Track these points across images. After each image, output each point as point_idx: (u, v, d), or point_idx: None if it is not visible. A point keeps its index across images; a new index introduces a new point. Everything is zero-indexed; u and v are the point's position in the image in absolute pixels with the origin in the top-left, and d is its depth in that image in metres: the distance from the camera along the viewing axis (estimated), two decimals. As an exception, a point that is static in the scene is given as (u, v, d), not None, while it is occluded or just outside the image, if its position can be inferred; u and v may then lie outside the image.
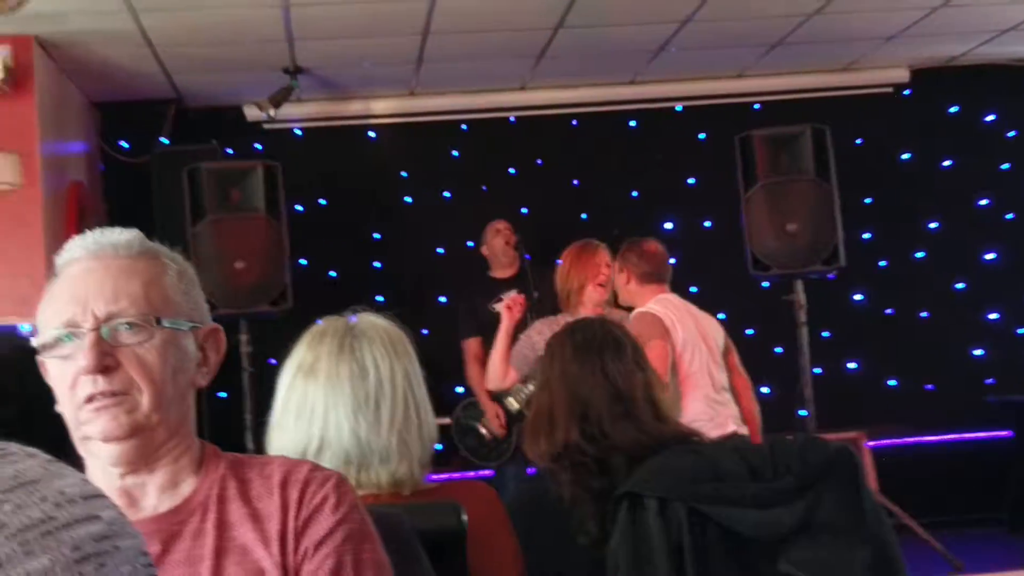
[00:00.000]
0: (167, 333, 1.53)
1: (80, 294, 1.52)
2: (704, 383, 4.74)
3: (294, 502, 1.52)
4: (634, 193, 7.32)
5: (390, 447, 2.01)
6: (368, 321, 2.09)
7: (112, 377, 1.49)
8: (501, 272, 6.29)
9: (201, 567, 1.49)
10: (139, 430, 1.50)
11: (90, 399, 1.49)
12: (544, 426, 2.60)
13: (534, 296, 5.91)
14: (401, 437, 2.02)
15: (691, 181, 7.33)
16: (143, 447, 1.52)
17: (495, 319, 5.96)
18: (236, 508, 1.53)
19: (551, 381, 2.63)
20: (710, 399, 4.75)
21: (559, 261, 5.23)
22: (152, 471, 1.55)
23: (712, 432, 4.32)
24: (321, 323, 2.11)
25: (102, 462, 1.53)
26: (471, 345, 6.18)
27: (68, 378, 1.51)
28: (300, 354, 2.06)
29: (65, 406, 1.53)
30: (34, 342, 1.55)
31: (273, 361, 6.11)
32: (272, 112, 6.49)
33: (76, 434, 1.52)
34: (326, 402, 2.00)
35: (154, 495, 1.54)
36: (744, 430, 4.75)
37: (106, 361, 1.48)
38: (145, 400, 1.50)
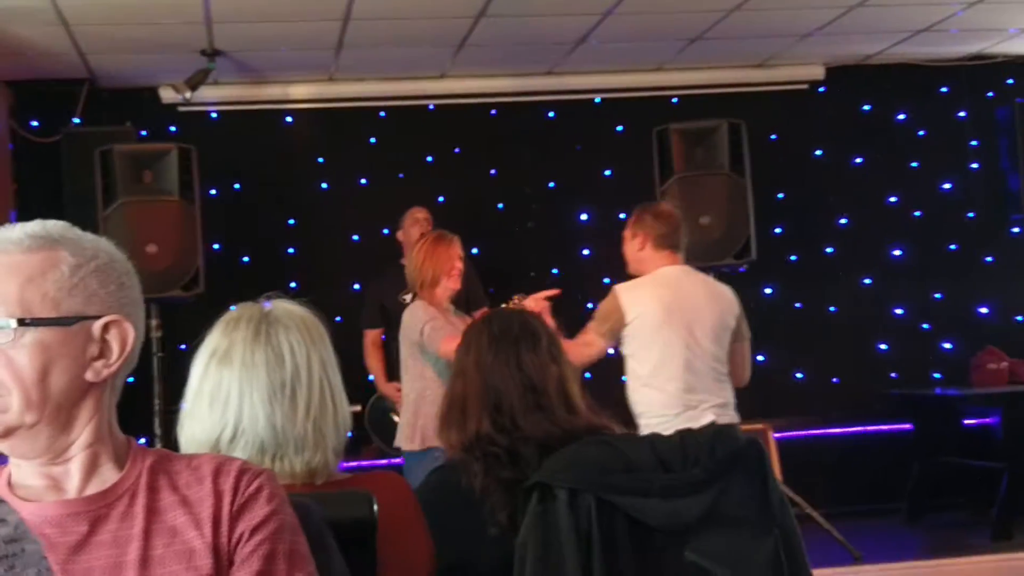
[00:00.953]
0: (39, 332, 1.52)
1: None
2: (674, 372, 4.49)
3: (228, 489, 1.55)
4: (551, 184, 7.34)
5: (306, 435, 2.00)
6: (283, 307, 2.08)
7: None
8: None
9: (129, 548, 1.51)
10: (12, 430, 1.52)
11: None
12: (456, 415, 2.60)
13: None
14: (316, 425, 2.01)
15: (607, 173, 7.38)
16: (29, 444, 1.54)
17: (402, 308, 5.98)
18: (166, 496, 1.56)
19: (465, 370, 2.64)
20: (683, 388, 4.49)
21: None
22: (67, 460, 1.56)
23: (681, 426, 4.02)
24: (235, 309, 2.09)
25: None
26: (370, 335, 6.18)
27: None
28: (214, 340, 2.04)
29: None
30: None
31: (183, 346, 6.03)
32: (188, 94, 6.40)
33: None
34: (241, 389, 1.99)
35: (77, 479, 1.56)
36: (728, 418, 4.51)
37: None
38: (15, 401, 1.51)
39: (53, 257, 1.55)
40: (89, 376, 1.56)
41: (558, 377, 2.63)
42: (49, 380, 1.53)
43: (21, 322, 1.51)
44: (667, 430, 2.49)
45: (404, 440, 4.92)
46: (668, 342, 4.51)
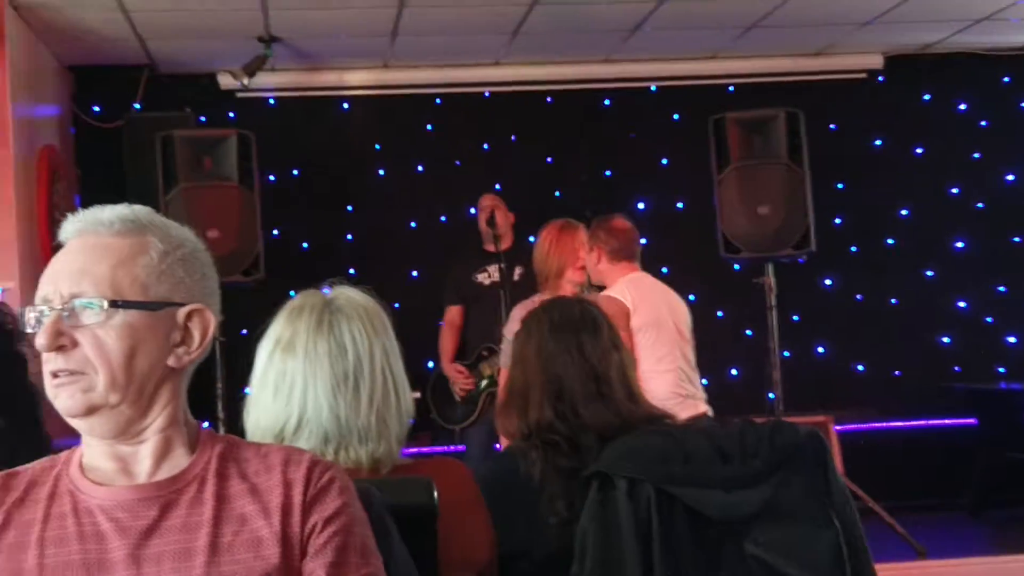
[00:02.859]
0: (128, 315, 1.55)
1: (54, 272, 1.57)
2: (675, 363, 4.75)
3: (299, 479, 1.56)
4: (607, 172, 7.32)
5: (369, 426, 2.00)
6: (345, 296, 2.08)
7: (69, 356, 1.53)
8: (489, 245, 6.28)
9: (198, 534, 1.52)
10: (96, 408, 1.54)
11: (53, 376, 1.54)
12: (517, 403, 2.60)
13: (515, 271, 5.97)
14: (380, 415, 2.01)
15: (664, 162, 7.34)
16: (109, 424, 1.56)
17: (476, 289, 6.07)
18: (235, 483, 1.57)
19: (527, 358, 2.62)
20: (682, 379, 4.76)
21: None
22: (141, 442, 1.58)
23: (684, 411, 4.38)
24: (298, 297, 2.09)
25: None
26: (450, 312, 6.27)
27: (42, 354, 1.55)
28: (278, 329, 2.05)
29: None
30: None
31: (244, 331, 6.08)
32: (246, 81, 6.45)
33: None
34: (305, 379, 1.99)
35: (148, 463, 1.58)
36: (709, 410, 4.79)
37: (60, 341, 1.53)
38: (101, 380, 1.54)
39: (143, 242, 1.58)
40: (171, 361, 1.59)
41: (619, 365, 2.61)
42: (134, 362, 1.55)
43: (113, 304, 1.54)
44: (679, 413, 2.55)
45: None
46: (663, 335, 4.76)
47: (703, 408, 4.74)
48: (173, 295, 1.58)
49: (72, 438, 1.64)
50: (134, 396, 1.55)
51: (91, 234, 1.57)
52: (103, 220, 1.58)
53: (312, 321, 2.02)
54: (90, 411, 1.54)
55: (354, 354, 2.00)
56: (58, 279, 1.55)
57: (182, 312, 1.59)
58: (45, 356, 1.54)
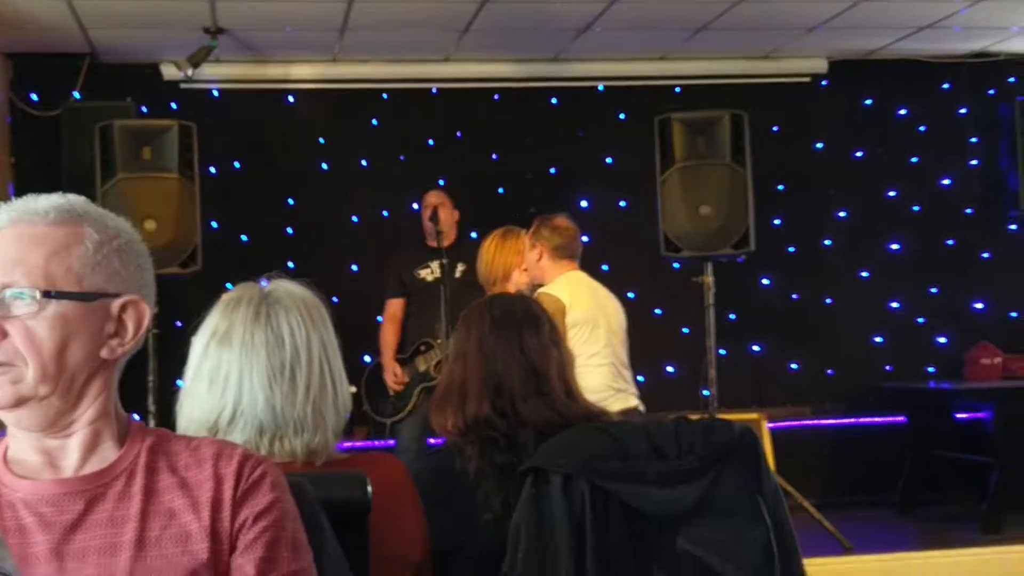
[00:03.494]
0: (61, 305, 1.52)
1: None
2: (608, 358, 4.81)
3: (230, 474, 1.55)
4: (552, 170, 7.34)
5: (305, 417, 1.99)
6: (284, 288, 2.07)
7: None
8: (432, 240, 6.27)
9: (125, 528, 1.51)
10: (25, 400, 1.52)
11: None
12: (455, 398, 2.60)
13: (457, 267, 5.99)
14: (316, 406, 2.01)
15: (609, 160, 7.38)
16: (37, 416, 1.54)
17: (417, 284, 6.07)
18: (164, 477, 1.56)
19: (466, 353, 2.62)
20: (614, 374, 4.83)
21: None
22: (69, 435, 1.56)
23: (615, 404, 4.45)
24: (235, 289, 2.08)
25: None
26: (391, 305, 6.26)
27: None
28: (214, 321, 2.03)
29: None
30: None
31: (180, 324, 6.04)
32: (190, 71, 6.38)
33: None
34: (240, 370, 1.98)
35: (75, 457, 1.56)
36: (642, 407, 4.86)
37: None
38: (30, 372, 1.51)
39: (78, 232, 1.55)
40: (104, 353, 1.57)
41: (559, 362, 2.63)
42: (66, 354, 1.53)
43: (46, 294, 1.51)
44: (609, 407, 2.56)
45: None
46: (597, 331, 4.81)
47: (634, 402, 4.81)
48: (108, 286, 1.56)
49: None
50: (64, 388, 1.53)
51: (25, 224, 1.54)
52: (38, 209, 1.55)
53: (249, 313, 2.01)
54: (18, 403, 1.52)
55: (291, 345, 2.00)
56: None
57: (116, 303, 1.57)
58: None
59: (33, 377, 1.51)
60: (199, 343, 2.04)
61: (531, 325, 2.63)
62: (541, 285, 4.97)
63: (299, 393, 1.99)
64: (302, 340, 2.00)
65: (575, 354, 4.59)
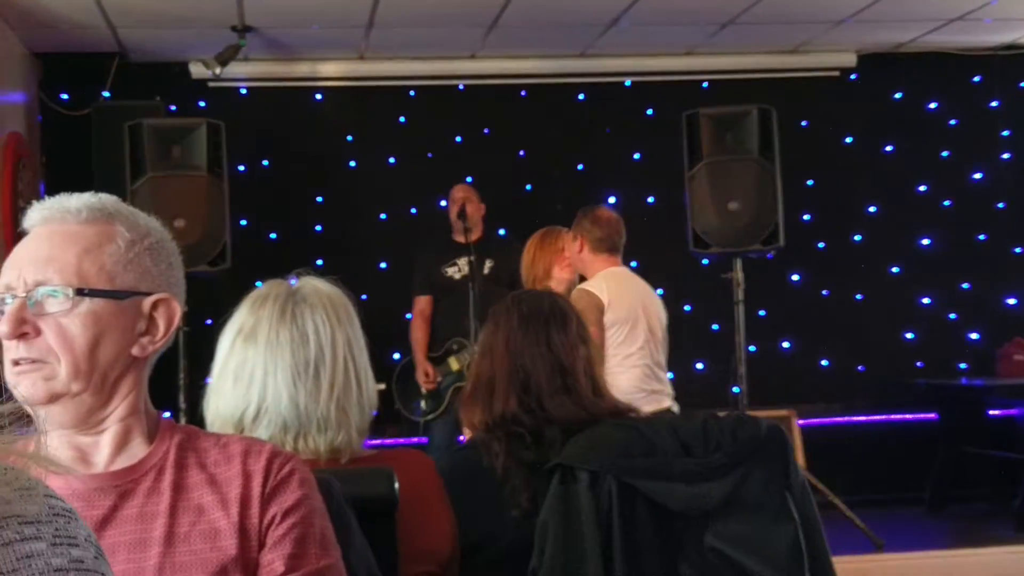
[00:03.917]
0: (94, 303, 1.54)
1: (19, 259, 1.55)
2: (643, 360, 4.74)
3: (259, 471, 1.56)
4: (580, 166, 7.33)
5: (329, 415, 2.00)
6: (311, 286, 2.07)
7: (31, 344, 1.52)
8: (459, 236, 6.27)
9: (155, 523, 1.52)
10: (58, 397, 1.53)
11: (14, 363, 1.53)
12: (483, 395, 2.59)
13: (486, 264, 5.98)
14: (340, 405, 2.01)
15: (636, 156, 7.36)
16: (71, 413, 1.55)
17: (446, 282, 6.05)
18: (194, 474, 1.57)
19: (494, 349, 2.62)
20: (648, 375, 4.75)
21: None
22: (101, 432, 1.57)
23: (647, 406, 4.40)
24: (263, 286, 2.09)
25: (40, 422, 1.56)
26: (419, 302, 6.25)
27: (4, 341, 1.54)
28: (240, 318, 2.04)
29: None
30: None
31: (209, 321, 6.06)
32: (218, 70, 6.41)
33: None
34: (265, 368, 1.99)
35: (107, 453, 1.57)
36: (676, 407, 4.78)
37: (23, 328, 1.51)
38: (63, 369, 1.53)
39: (110, 231, 1.57)
40: (135, 351, 1.58)
41: (586, 359, 2.62)
42: (98, 351, 1.54)
43: (79, 292, 1.53)
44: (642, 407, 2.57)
45: None
46: (635, 330, 4.74)
47: (667, 404, 4.76)
48: (139, 284, 1.57)
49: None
50: (96, 385, 1.54)
51: (57, 222, 1.56)
52: (70, 208, 1.57)
53: (275, 310, 2.02)
54: (52, 399, 1.53)
55: (316, 343, 2.00)
56: (22, 266, 1.53)
57: (148, 302, 1.58)
58: (6, 344, 1.52)
59: (66, 374, 1.52)
60: (226, 340, 2.05)
61: (558, 322, 2.62)
62: (584, 280, 4.95)
63: (323, 391, 1.99)
64: (327, 338, 2.01)
65: (611, 354, 4.61)
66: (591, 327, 4.34)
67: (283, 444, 1.98)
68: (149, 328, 1.59)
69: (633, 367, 4.70)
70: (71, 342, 1.52)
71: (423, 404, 6.12)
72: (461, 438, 5.28)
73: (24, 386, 1.52)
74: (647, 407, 4.36)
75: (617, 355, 4.68)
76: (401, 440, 6.32)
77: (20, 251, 1.56)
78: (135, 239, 1.58)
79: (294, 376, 1.98)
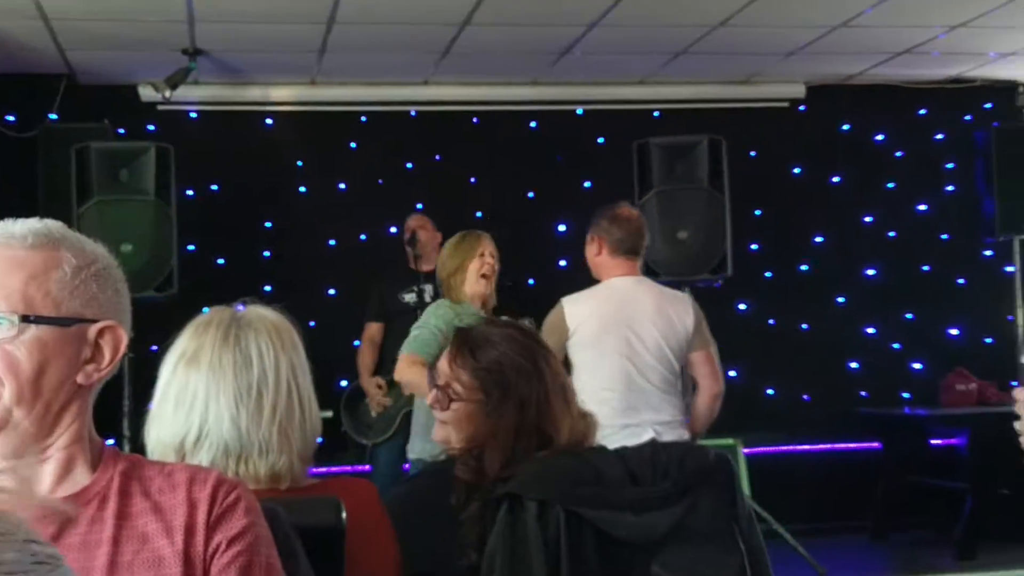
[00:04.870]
0: (40, 330, 1.52)
1: None
2: (615, 390, 4.27)
3: (204, 498, 1.54)
4: (530, 194, 7.35)
5: (270, 439, 1.98)
6: (255, 312, 2.07)
7: None
8: (414, 264, 6.23)
9: (97, 552, 1.50)
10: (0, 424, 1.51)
11: None
12: (499, 444, 2.40)
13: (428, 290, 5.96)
14: (282, 428, 2.00)
15: (587, 184, 7.39)
16: (12, 443, 1.53)
17: (400, 307, 6.01)
18: (138, 502, 1.55)
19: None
20: (622, 408, 4.26)
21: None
22: (43, 461, 1.55)
23: (626, 442, 3.73)
24: (207, 312, 2.08)
25: None
26: (370, 328, 6.24)
27: None
28: (183, 343, 2.03)
29: None
30: None
31: (155, 348, 5.99)
32: (168, 93, 6.37)
33: None
34: (207, 391, 1.97)
35: (48, 482, 1.55)
36: (673, 435, 4.27)
37: None
38: (7, 395, 1.51)
39: (56, 257, 1.55)
40: (80, 379, 1.56)
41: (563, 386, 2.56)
42: (43, 379, 1.53)
43: (24, 318, 1.51)
44: (610, 444, 2.45)
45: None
46: (606, 357, 4.31)
47: (648, 436, 4.02)
48: (85, 311, 1.55)
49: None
50: (40, 413, 1.53)
51: (3, 247, 1.54)
52: (15, 233, 1.55)
53: (219, 335, 2.01)
54: None
55: (259, 367, 1.99)
56: None
57: (94, 329, 1.56)
58: None
59: (9, 400, 1.51)
60: (168, 364, 2.03)
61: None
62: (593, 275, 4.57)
63: (265, 414, 1.98)
64: (270, 362, 2.00)
65: (580, 386, 4.17)
66: (550, 340, 3.88)
67: (225, 468, 1.97)
68: (95, 355, 1.57)
69: (603, 402, 4.06)
70: (16, 368, 1.50)
71: (373, 427, 6.08)
72: (406, 466, 5.24)
73: None
74: (626, 442, 3.66)
75: (586, 387, 4.06)
76: (347, 468, 6.27)
77: None
78: (81, 265, 1.56)
79: (236, 399, 1.97)
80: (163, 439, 1.99)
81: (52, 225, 1.59)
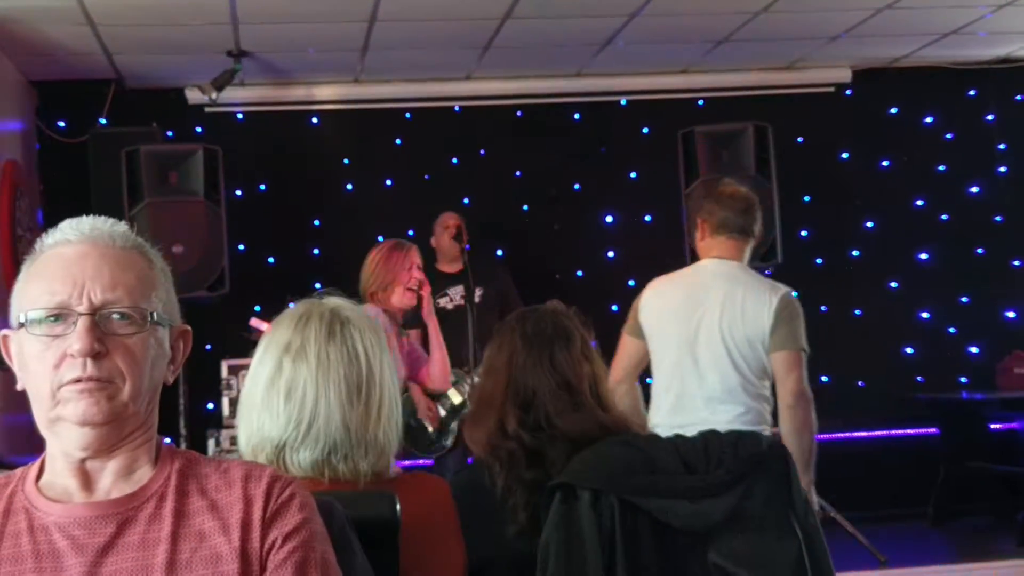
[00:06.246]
0: (153, 328, 1.57)
1: (76, 277, 1.54)
2: (671, 388, 3.92)
3: (259, 495, 1.56)
4: (576, 186, 7.34)
5: (376, 439, 2.00)
6: (349, 307, 2.07)
7: (100, 363, 1.52)
8: (447, 266, 6.26)
9: (156, 550, 1.52)
10: (115, 417, 1.54)
11: (76, 381, 1.52)
12: (484, 412, 2.60)
13: (476, 292, 5.93)
14: (384, 429, 2.01)
15: (633, 175, 7.37)
16: (113, 435, 1.55)
17: (438, 313, 5.97)
18: (195, 500, 1.57)
19: (497, 369, 2.62)
20: (675, 408, 3.89)
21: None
22: (111, 457, 1.57)
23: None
24: (300, 305, 2.08)
25: (66, 444, 1.55)
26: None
27: (52, 358, 1.53)
28: (284, 336, 2.02)
29: (40, 385, 1.54)
30: (16, 317, 1.57)
31: (208, 347, 6.06)
32: (214, 95, 6.42)
33: (47, 414, 1.55)
34: (317, 387, 1.98)
35: (110, 479, 1.57)
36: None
37: (98, 347, 1.52)
38: (126, 389, 1.54)
39: (149, 259, 1.61)
40: (168, 378, 1.63)
41: (591, 376, 2.62)
42: (153, 376, 1.58)
43: (147, 316, 1.56)
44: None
45: None
46: (668, 349, 3.93)
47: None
48: (173, 312, 1.62)
49: (22, 456, 1.63)
50: (145, 409, 1.57)
51: (105, 245, 1.57)
52: (116, 232, 1.59)
53: (323, 329, 2.01)
54: (109, 420, 1.53)
55: (366, 365, 2.00)
56: (85, 285, 1.53)
57: (176, 330, 1.63)
58: (68, 362, 1.52)
59: (128, 394, 1.54)
60: (269, 357, 2.02)
61: (562, 340, 2.63)
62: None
63: (372, 414, 2.00)
64: (376, 361, 2.02)
65: (653, 379, 3.95)
66: (628, 324, 3.97)
67: (325, 467, 1.98)
68: (174, 355, 1.63)
69: (656, 397, 3.92)
70: (138, 364, 1.54)
71: (431, 441, 5.97)
72: (471, 460, 5.22)
73: (86, 404, 1.52)
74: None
75: (654, 383, 3.94)
76: (404, 462, 6.26)
77: (74, 269, 1.54)
78: (163, 268, 1.62)
79: (348, 397, 1.98)
80: (266, 432, 1.99)
81: (126, 228, 1.62)
